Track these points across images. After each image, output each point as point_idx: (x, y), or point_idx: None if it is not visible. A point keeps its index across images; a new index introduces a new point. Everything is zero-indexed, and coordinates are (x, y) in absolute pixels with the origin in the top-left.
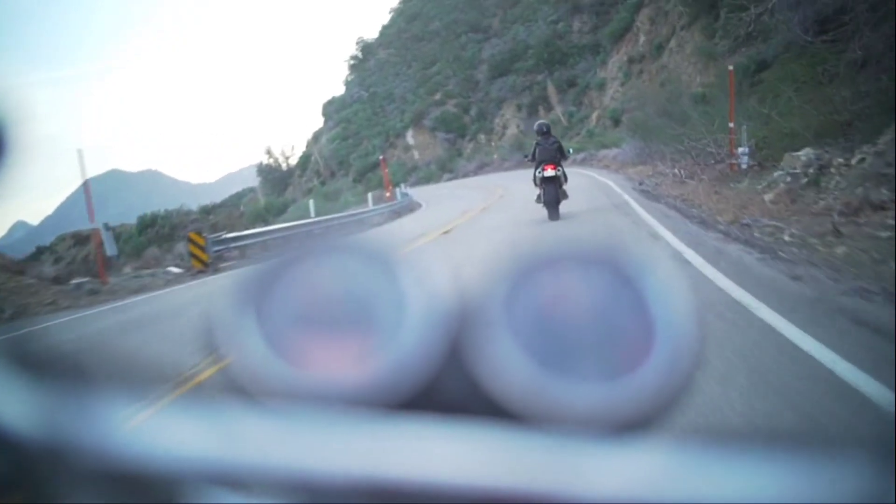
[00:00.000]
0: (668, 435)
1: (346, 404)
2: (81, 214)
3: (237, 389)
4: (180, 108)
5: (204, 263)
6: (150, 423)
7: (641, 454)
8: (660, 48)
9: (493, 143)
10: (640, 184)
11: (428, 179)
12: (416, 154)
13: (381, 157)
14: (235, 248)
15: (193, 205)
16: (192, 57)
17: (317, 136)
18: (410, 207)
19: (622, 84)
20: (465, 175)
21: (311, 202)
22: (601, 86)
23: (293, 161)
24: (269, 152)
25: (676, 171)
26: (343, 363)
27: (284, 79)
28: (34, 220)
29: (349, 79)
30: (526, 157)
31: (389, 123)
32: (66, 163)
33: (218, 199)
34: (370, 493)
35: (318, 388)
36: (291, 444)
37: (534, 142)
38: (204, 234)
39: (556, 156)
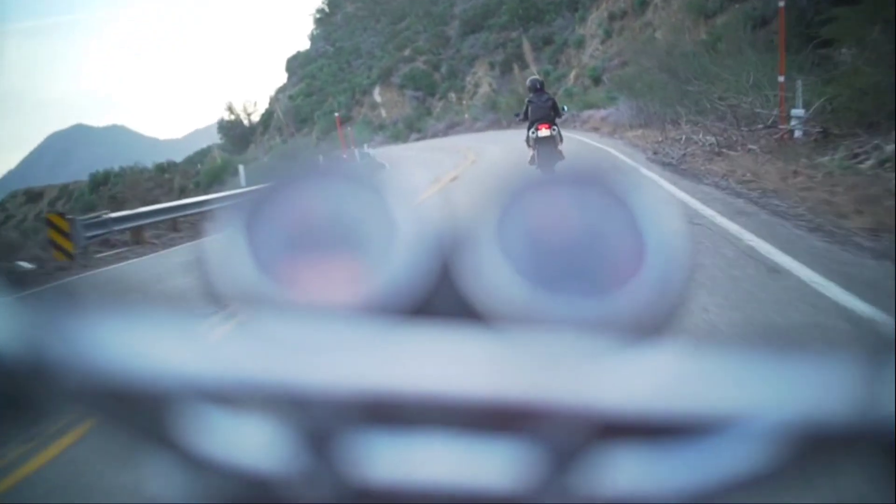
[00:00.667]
0: (668, 341)
1: (331, 315)
2: (47, 168)
3: (219, 304)
4: (147, 62)
5: (68, 255)
6: (140, 340)
7: (643, 360)
8: (643, 4)
9: (464, 103)
10: (655, 153)
11: (395, 139)
12: (383, 112)
13: (336, 116)
14: (128, 228)
15: (160, 161)
16: (159, 9)
17: (280, 93)
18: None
19: (602, 42)
20: (435, 135)
21: (240, 168)
22: (580, 43)
23: (256, 118)
24: (230, 108)
25: (703, 137)
26: (333, 285)
27: (249, 33)
28: None
29: (315, 33)
30: (517, 116)
31: (356, 80)
32: (31, 116)
33: (184, 155)
34: (364, 405)
35: (305, 305)
36: (275, 358)
37: (525, 99)
38: (69, 217)
39: (551, 114)
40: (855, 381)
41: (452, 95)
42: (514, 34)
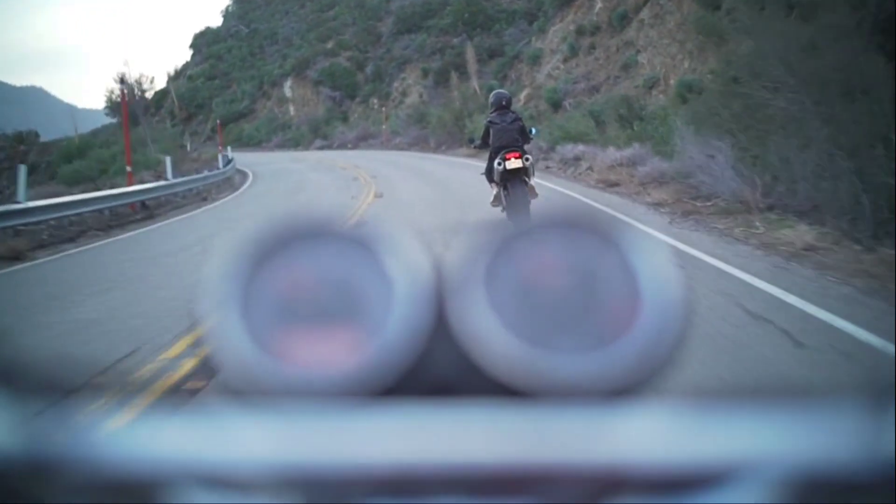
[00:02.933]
0: (661, 396)
1: (335, 394)
2: None
3: (223, 388)
4: (63, 24)
5: None
6: (132, 427)
7: (638, 418)
8: (624, 18)
9: (383, 110)
10: None
11: (295, 143)
12: (291, 109)
13: (218, 123)
14: None
15: (71, 130)
16: None
17: (180, 72)
18: (207, 195)
19: (565, 59)
20: (342, 145)
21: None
22: (535, 58)
23: (150, 95)
24: (122, 79)
25: None
26: (328, 352)
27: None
28: None
29: (229, 9)
30: (472, 142)
31: (267, 68)
32: None
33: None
34: (368, 482)
35: (305, 381)
36: (283, 438)
37: (485, 120)
38: None
39: (519, 138)
40: (857, 426)
41: (374, 101)
42: (455, 40)
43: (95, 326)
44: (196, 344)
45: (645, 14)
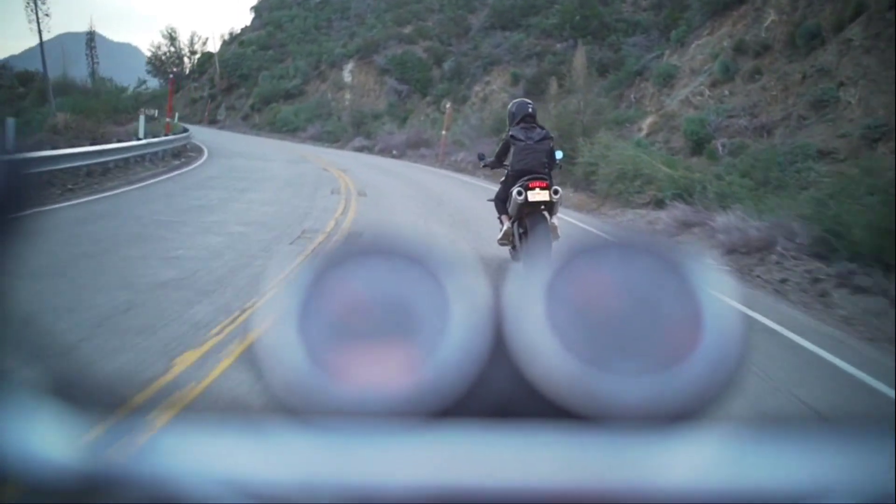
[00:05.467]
0: (717, 423)
1: (389, 414)
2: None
3: (278, 406)
4: None
5: None
6: (179, 443)
7: (697, 444)
8: (816, 37)
9: (448, 107)
10: None
11: (335, 138)
12: (347, 97)
13: (170, 77)
14: None
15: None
16: None
17: (235, 38)
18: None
19: (714, 84)
20: (385, 150)
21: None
22: (667, 78)
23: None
24: (170, 35)
25: None
26: (383, 372)
27: None
28: None
29: None
30: (483, 160)
31: (329, 45)
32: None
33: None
34: (425, 503)
35: (359, 400)
36: (341, 459)
37: (504, 134)
38: None
39: (547, 162)
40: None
41: (447, 104)
42: (559, 45)
43: None
44: (246, 356)
45: (854, 32)
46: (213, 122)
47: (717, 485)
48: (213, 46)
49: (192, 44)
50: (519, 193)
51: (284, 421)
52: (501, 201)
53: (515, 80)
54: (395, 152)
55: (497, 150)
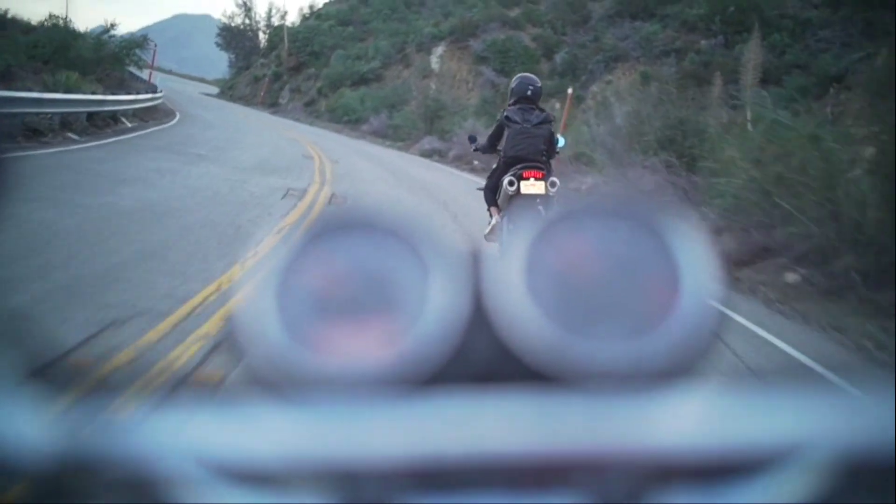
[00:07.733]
0: (699, 381)
1: (370, 385)
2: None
3: (257, 381)
4: None
5: None
6: (157, 420)
7: (679, 403)
8: None
9: (572, 92)
10: None
11: (402, 136)
12: (433, 85)
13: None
14: None
15: None
16: None
17: (315, 12)
18: None
19: None
20: (459, 157)
21: None
22: (882, 86)
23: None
24: (245, 3)
25: None
26: (364, 343)
27: None
28: None
29: None
30: (474, 143)
31: (418, 24)
32: None
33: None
34: (403, 474)
35: (339, 372)
36: (322, 432)
37: (500, 112)
38: None
39: (544, 150)
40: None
41: (556, 104)
42: (704, 42)
43: None
44: (223, 326)
45: None
46: (272, 105)
47: (702, 441)
48: (292, 21)
49: (269, 17)
50: (510, 184)
51: (263, 395)
52: (491, 191)
53: (645, 79)
54: (475, 162)
55: (492, 132)
